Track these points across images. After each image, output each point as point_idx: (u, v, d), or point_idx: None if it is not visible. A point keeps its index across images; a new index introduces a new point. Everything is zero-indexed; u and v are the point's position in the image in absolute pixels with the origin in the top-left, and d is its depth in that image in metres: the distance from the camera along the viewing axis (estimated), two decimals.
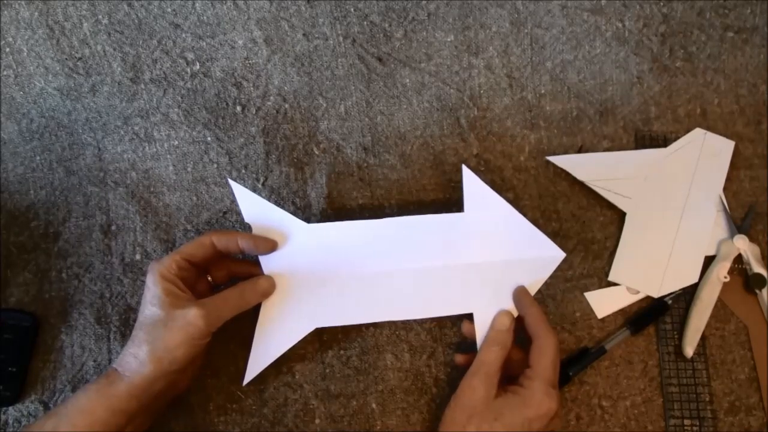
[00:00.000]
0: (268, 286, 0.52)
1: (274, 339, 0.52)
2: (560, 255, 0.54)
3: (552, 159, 0.60)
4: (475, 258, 0.54)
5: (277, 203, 0.58)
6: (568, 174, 0.60)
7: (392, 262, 0.54)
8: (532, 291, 0.53)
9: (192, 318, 0.47)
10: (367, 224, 0.54)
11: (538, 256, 0.54)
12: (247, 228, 0.54)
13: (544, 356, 0.49)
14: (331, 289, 0.53)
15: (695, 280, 0.58)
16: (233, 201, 0.59)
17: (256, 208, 0.54)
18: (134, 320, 0.56)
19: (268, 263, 0.53)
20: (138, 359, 0.46)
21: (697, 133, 0.61)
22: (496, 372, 0.49)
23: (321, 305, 0.53)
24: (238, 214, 0.58)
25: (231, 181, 0.54)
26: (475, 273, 0.54)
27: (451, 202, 0.60)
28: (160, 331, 0.46)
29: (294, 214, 0.58)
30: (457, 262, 0.54)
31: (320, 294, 0.53)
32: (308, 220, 0.58)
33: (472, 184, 0.55)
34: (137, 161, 0.59)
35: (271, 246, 0.53)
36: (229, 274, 0.54)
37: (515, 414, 0.47)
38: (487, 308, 0.53)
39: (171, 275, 0.48)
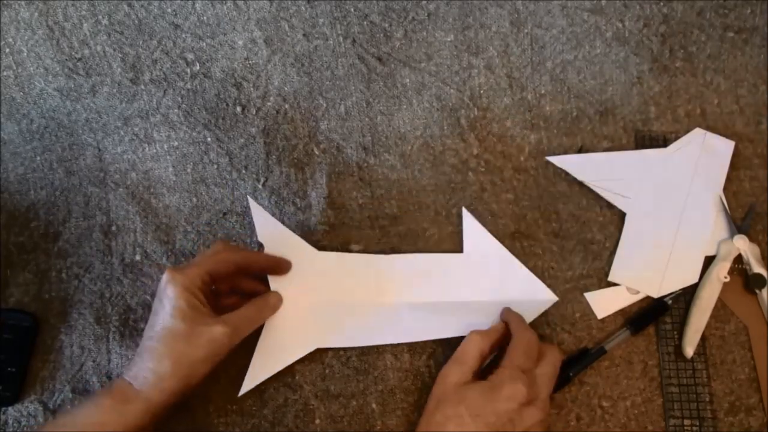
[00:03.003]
0: (277, 301, 0.54)
1: (274, 355, 0.54)
2: (552, 299, 0.57)
3: (552, 159, 0.60)
4: (471, 297, 0.56)
5: (278, 204, 0.59)
6: (567, 174, 0.60)
7: (394, 296, 0.56)
8: None
9: (217, 335, 0.46)
10: (373, 258, 0.57)
11: (531, 299, 0.57)
12: (255, 243, 0.56)
13: (518, 346, 0.49)
14: (334, 313, 0.55)
15: (695, 280, 0.58)
16: (233, 202, 0.59)
17: (270, 230, 0.55)
18: (134, 320, 0.56)
19: (276, 282, 0.54)
20: (158, 375, 0.45)
21: (697, 133, 0.61)
22: (473, 360, 0.49)
23: (322, 327, 0.55)
24: (238, 215, 0.58)
25: (251, 201, 0.56)
26: (471, 311, 0.56)
27: (450, 203, 0.60)
28: (182, 346, 0.46)
29: (294, 214, 0.58)
30: (455, 300, 0.56)
31: (322, 317, 0.55)
32: (308, 221, 0.58)
33: (471, 226, 0.58)
34: (137, 162, 0.59)
35: (288, 268, 0.55)
36: (231, 286, 0.54)
37: (480, 397, 0.46)
38: None
39: (195, 289, 0.47)
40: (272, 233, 0.55)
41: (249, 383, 0.53)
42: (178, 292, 0.47)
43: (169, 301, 0.47)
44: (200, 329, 0.46)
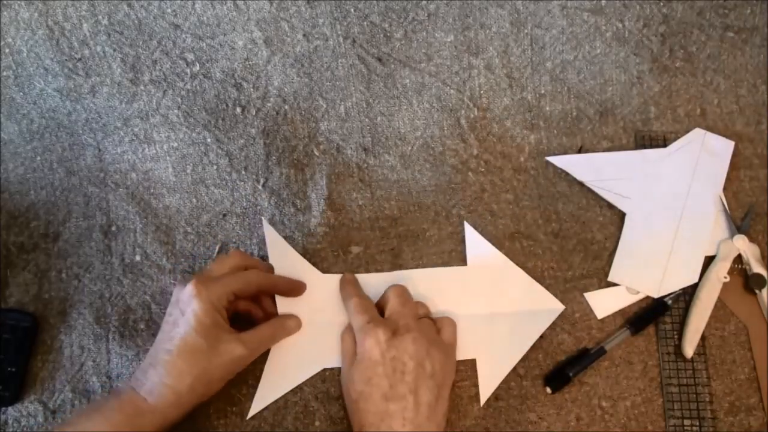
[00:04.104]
0: (295, 325, 0.54)
1: (282, 377, 0.54)
2: (559, 308, 0.57)
3: (552, 159, 0.60)
4: (477, 310, 0.56)
5: (277, 205, 0.59)
6: (567, 174, 0.60)
7: None
8: (531, 341, 0.55)
9: (237, 356, 0.47)
10: (378, 276, 0.57)
11: (537, 309, 0.56)
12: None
13: (350, 313, 0.52)
14: (339, 334, 0.55)
15: (695, 280, 0.58)
16: (233, 203, 0.59)
17: (281, 252, 0.56)
18: (134, 321, 0.56)
19: (284, 305, 0.55)
20: (176, 392, 0.45)
21: (697, 133, 0.61)
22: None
23: (329, 348, 0.55)
24: (238, 216, 0.58)
25: (265, 222, 0.57)
26: (478, 324, 0.55)
27: (450, 204, 0.60)
28: (202, 362, 0.45)
29: (294, 215, 0.58)
30: (461, 313, 0.56)
31: (329, 338, 0.55)
32: (308, 222, 0.58)
33: (473, 239, 0.58)
34: (137, 162, 0.59)
35: (303, 291, 0.55)
36: (235, 309, 0.53)
37: (356, 369, 0.49)
38: (489, 355, 0.55)
39: (220, 306, 0.47)
40: (282, 255, 0.56)
41: (258, 405, 0.54)
42: (206, 308, 0.46)
43: (194, 315, 0.46)
44: (222, 348, 0.46)
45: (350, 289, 0.55)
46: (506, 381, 0.55)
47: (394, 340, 0.48)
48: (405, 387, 0.47)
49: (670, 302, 0.57)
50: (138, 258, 0.58)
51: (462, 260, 0.58)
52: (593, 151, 0.61)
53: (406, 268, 0.57)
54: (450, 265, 0.58)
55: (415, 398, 0.47)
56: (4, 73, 0.61)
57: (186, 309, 0.46)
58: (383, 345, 0.48)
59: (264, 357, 0.54)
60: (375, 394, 0.47)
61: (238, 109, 0.61)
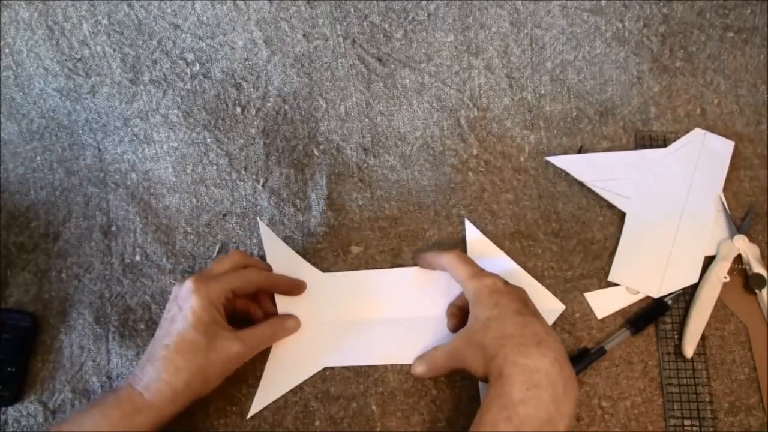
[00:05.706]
0: (294, 325, 0.54)
1: (283, 376, 0.54)
2: (560, 307, 0.57)
3: (552, 159, 0.60)
4: None
5: (277, 205, 0.59)
6: (567, 174, 0.60)
7: (399, 310, 0.56)
8: None
9: (234, 353, 0.47)
10: (378, 274, 0.57)
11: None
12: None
13: (455, 263, 0.51)
14: (341, 333, 0.55)
15: (695, 280, 0.58)
16: (233, 203, 0.59)
17: (278, 252, 0.56)
18: (133, 321, 0.56)
19: (283, 304, 0.55)
20: (173, 388, 0.45)
21: (697, 133, 0.61)
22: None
23: (330, 347, 0.55)
24: (238, 216, 0.58)
25: (261, 223, 0.56)
26: None
27: (450, 204, 0.60)
28: (200, 360, 0.45)
29: (294, 215, 0.58)
30: None
31: (330, 337, 0.55)
32: (308, 222, 0.58)
33: (474, 237, 0.58)
34: (137, 162, 0.60)
35: (303, 289, 0.55)
36: (234, 308, 0.53)
37: (480, 310, 0.48)
38: None
39: (218, 303, 0.47)
40: (280, 255, 0.56)
41: (258, 405, 0.54)
42: (203, 305, 0.46)
43: (192, 311, 0.46)
44: (219, 345, 0.46)
45: (434, 251, 0.55)
46: None
47: (508, 284, 0.50)
48: (533, 310, 0.48)
49: (670, 302, 0.57)
50: (138, 258, 0.58)
51: None
52: (593, 151, 0.61)
53: (407, 266, 0.57)
54: None
55: (547, 324, 0.48)
56: (4, 73, 0.61)
57: (184, 305, 0.47)
58: (501, 285, 0.49)
59: (264, 356, 0.54)
60: (507, 311, 0.47)
61: (238, 109, 0.61)
